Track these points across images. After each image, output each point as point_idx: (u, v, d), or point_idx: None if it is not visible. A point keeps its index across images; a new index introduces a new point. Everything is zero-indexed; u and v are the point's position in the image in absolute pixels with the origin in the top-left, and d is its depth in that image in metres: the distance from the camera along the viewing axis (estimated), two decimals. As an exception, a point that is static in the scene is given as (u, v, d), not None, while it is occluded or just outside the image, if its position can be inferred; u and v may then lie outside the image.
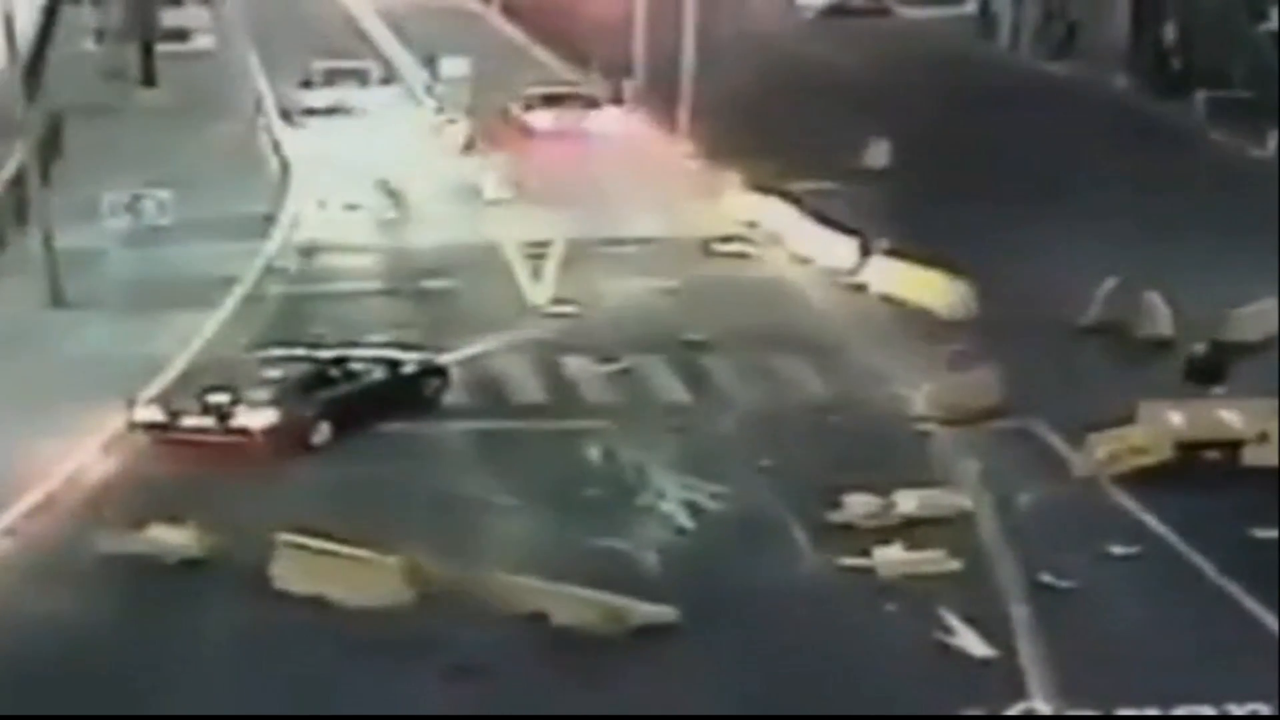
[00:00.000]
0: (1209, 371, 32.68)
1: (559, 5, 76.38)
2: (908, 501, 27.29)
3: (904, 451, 30.17)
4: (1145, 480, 28.33)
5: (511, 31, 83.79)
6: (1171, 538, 26.58)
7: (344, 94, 60.86)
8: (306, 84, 61.89)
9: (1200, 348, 33.45)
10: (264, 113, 60.82)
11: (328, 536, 25.05)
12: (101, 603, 24.89)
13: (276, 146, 55.67)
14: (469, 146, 56.12)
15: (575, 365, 35.10)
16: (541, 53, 75.80)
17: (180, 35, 74.16)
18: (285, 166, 52.56)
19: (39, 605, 24.85)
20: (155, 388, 32.60)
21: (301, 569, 24.93)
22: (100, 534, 26.68)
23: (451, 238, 44.98)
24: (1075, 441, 29.58)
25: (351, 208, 47.41)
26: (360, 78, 62.65)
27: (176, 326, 36.59)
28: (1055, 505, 27.88)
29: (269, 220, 45.97)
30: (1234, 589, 24.78)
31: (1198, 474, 28.42)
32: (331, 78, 62.08)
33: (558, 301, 39.02)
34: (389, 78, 65.24)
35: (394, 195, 48.05)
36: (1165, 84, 63.69)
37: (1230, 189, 48.94)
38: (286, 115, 59.62)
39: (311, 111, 59.80)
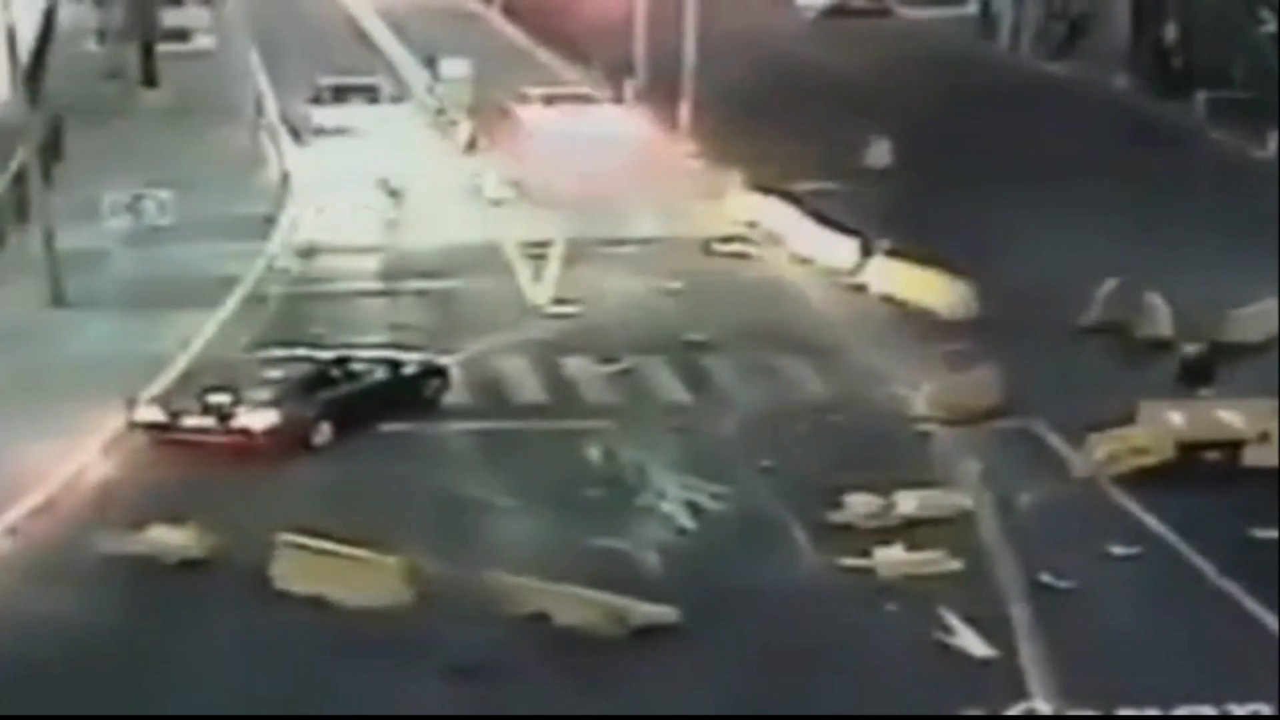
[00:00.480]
0: (1197, 373, 32.66)
1: (560, 6, 76.36)
2: (908, 502, 27.30)
3: (904, 452, 30.18)
4: (1145, 480, 28.34)
5: (512, 32, 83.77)
6: (1171, 538, 26.58)
7: (354, 113, 57.99)
8: (316, 100, 59.09)
9: (1192, 349, 33.45)
10: (265, 113, 60.66)
11: (328, 536, 25.07)
12: (102, 603, 24.90)
13: (277, 147, 55.58)
14: (471, 147, 56.11)
15: (575, 365, 35.10)
16: (543, 53, 75.78)
17: (181, 35, 74.05)
18: (285, 169, 52.46)
19: (40, 605, 24.86)
20: (156, 388, 32.63)
21: (302, 569, 24.94)
22: (101, 534, 26.70)
23: (452, 238, 44.95)
24: (1075, 442, 29.59)
25: (353, 208, 47.33)
26: (370, 94, 59.93)
27: (177, 327, 36.59)
28: (1055, 505, 27.89)
29: (269, 221, 45.93)
30: (1234, 589, 24.80)
31: (1198, 474, 28.43)
32: (341, 95, 59.37)
33: (558, 302, 39.03)
34: (400, 96, 62.60)
35: (395, 195, 48.05)
36: (1166, 84, 63.69)
37: (1231, 189, 48.95)
38: (295, 134, 57.42)
39: (321, 131, 57.07)
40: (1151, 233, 42.59)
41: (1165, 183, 49.68)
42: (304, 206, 47.74)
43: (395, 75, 68.61)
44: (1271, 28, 61.37)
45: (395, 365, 32.96)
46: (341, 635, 23.71)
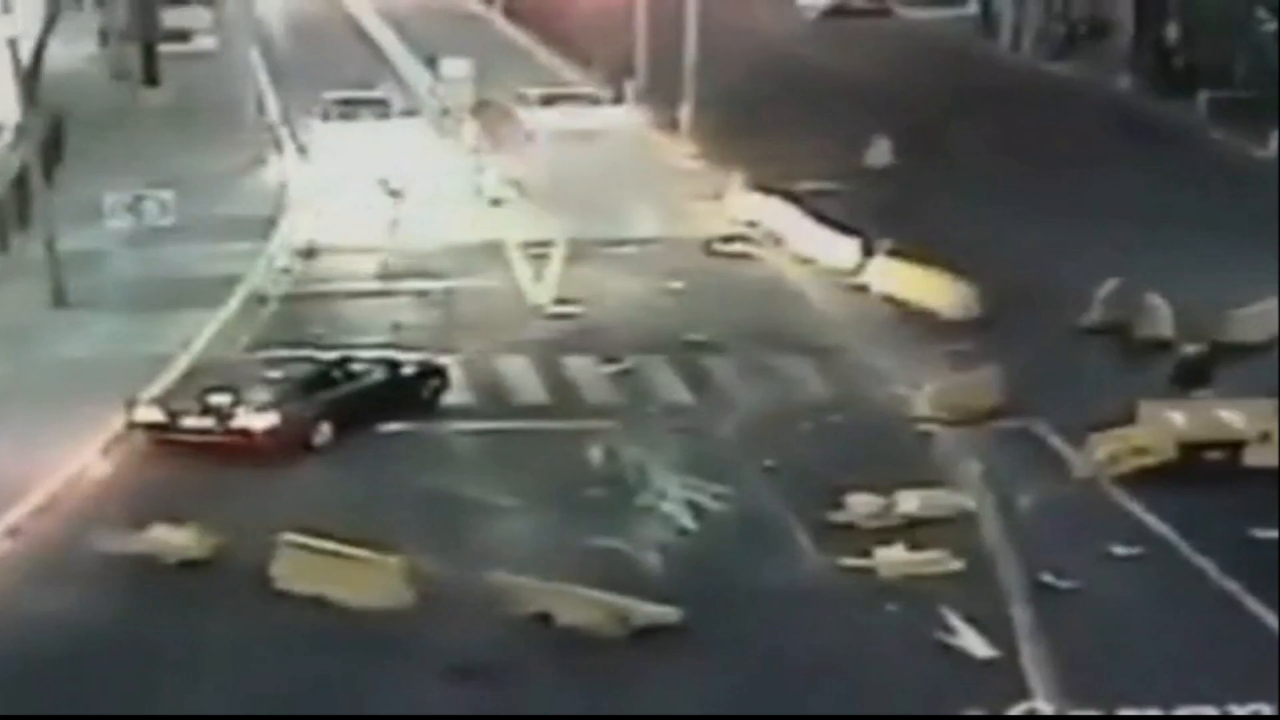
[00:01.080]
0: (1195, 374, 32.63)
1: (560, 7, 76.36)
2: (909, 501, 27.29)
3: (906, 452, 30.17)
4: (1146, 481, 28.32)
5: (514, 33, 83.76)
6: (1173, 538, 26.58)
7: (365, 129, 55.30)
8: (325, 117, 56.73)
9: (1190, 350, 33.42)
10: (266, 113, 60.60)
11: (328, 536, 25.07)
12: (103, 603, 24.91)
13: (278, 148, 55.57)
14: (472, 147, 56.03)
15: (577, 365, 35.09)
16: (543, 54, 75.79)
17: (182, 36, 74.03)
18: (286, 169, 52.44)
19: (41, 605, 24.87)
20: (156, 388, 32.63)
21: (302, 569, 24.94)
22: (102, 535, 26.69)
23: (453, 238, 44.91)
24: (1076, 442, 29.57)
25: (353, 208, 47.25)
26: (382, 109, 57.65)
27: (178, 327, 36.58)
28: (1057, 505, 27.88)
29: (270, 221, 45.91)
30: (1235, 589, 24.79)
31: (1198, 474, 28.41)
32: (350, 110, 56.92)
33: (559, 302, 39.01)
34: (413, 109, 60.60)
35: (395, 195, 47.99)
36: (1167, 84, 63.68)
37: (1232, 189, 48.93)
38: (302, 151, 55.71)
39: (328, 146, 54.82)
40: (1152, 232, 42.57)
41: (1166, 182, 49.66)
42: (304, 207, 47.71)
43: (397, 77, 68.51)
44: (1272, 27, 61.36)
45: (395, 365, 32.96)
46: (342, 635, 23.71)
